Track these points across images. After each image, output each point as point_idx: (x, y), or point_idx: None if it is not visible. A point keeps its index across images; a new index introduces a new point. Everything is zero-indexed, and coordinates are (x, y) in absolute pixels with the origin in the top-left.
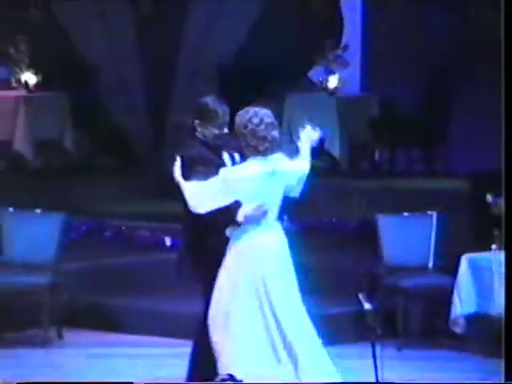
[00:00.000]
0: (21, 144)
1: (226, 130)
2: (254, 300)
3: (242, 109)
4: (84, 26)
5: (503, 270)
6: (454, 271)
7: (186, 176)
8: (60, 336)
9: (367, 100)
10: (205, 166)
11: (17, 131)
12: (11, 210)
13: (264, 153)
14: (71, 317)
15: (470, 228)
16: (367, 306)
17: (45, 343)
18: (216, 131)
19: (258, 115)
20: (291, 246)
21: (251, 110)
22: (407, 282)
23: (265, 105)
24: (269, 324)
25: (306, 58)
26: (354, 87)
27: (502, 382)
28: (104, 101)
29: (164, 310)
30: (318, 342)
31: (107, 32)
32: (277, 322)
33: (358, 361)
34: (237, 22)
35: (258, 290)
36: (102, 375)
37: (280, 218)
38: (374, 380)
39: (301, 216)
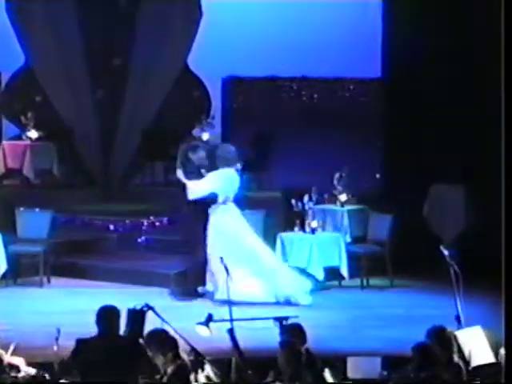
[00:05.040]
0: (27, 171)
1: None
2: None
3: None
4: (65, 107)
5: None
6: (274, 243)
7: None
8: (49, 281)
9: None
10: (196, 174)
11: (25, 164)
12: (22, 209)
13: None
14: (55, 270)
15: (282, 219)
16: None
17: (40, 284)
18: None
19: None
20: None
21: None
22: None
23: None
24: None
25: (191, 123)
26: (217, 139)
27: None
28: (75, 146)
29: (108, 266)
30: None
31: (79, 109)
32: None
33: None
34: (153, 103)
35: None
36: (75, 304)
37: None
38: None
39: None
